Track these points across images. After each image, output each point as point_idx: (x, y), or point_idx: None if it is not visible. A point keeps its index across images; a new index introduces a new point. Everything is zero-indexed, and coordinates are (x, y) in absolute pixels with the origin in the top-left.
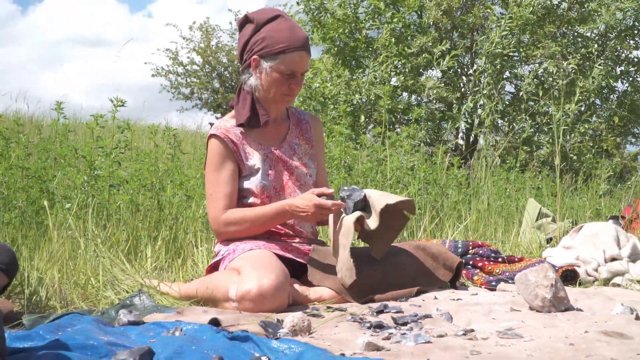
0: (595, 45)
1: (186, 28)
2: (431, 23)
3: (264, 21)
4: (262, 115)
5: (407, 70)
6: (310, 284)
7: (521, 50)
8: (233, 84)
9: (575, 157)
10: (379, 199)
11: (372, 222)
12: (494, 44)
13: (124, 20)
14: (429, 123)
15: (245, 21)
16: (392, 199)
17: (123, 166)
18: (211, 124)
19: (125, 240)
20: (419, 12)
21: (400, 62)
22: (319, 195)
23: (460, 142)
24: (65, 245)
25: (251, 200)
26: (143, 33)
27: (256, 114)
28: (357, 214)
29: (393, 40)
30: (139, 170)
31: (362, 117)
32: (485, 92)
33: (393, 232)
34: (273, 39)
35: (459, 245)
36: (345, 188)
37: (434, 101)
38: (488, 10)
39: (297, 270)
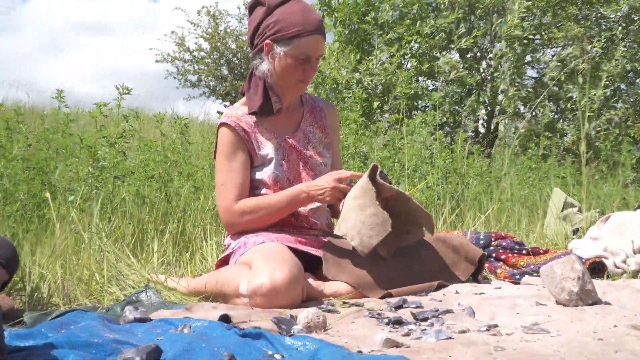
0: (620, 28)
1: (194, 12)
2: (447, 3)
3: (275, 3)
4: (275, 102)
5: (422, 52)
6: (325, 278)
7: (542, 33)
8: (242, 70)
9: (601, 145)
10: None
11: (390, 187)
12: (512, 27)
13: (128, 6)
14: (446, 107)
15: (255, 4)
16: (413, 204)
17: (128, 156)
18: (220, 113)
19: (131, 234)
20: None
21: (415, 43)
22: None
23: (481, 129)
24: (68, 240)
25: (263, 191)
26: (148, 19)
27: (269, 101)
28: (373, 165)
29: (407, 20)
30: (145, 160)
31: (375, 104)
32: (505, 77)
33: (405, 238)
34: (286, 22)
35: (481, 237)
36: (374, 165)
37: (453, 84)
38: None
39: (311, 264)
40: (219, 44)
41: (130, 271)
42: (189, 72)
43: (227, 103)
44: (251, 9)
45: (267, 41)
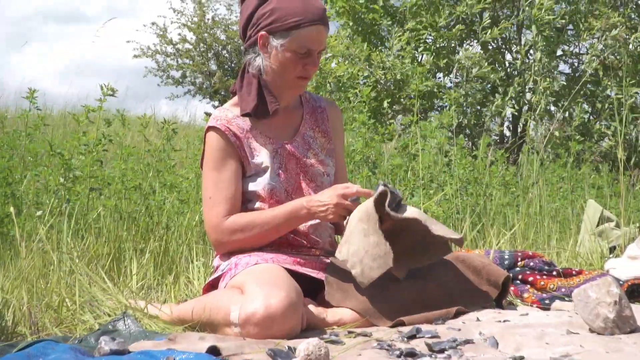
0: None
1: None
2: None
3: None
4: (272, 103)
5: (438, 46)
6: (327, 304)
7: (577, 21)
8: (233, 65)
9: None
10: (424, 218)
11: (409, 213)
12: (543, 10)
13: None
14: (467, 108)
15: None
16: (437, 228)
17: (106, 165)
18: (208, 114)
19: (107, 254)
20: None
21: (430, 36)
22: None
23: (507, 132)
24: (35, 261)
25: (257, 204)
26: (126, 6)
27: (264, 101)
28: (381, 189)
29: (423, 11)
30: (124, 170)
31: (386, 103)
32: (536, 69)
33: (427, 257)
34: (284, 11)
35: (506, 257)
36: (381, 182)
37: (474, 81)
38: None
39: (312, 288)
40: (205, 34)
41: (105, 296)
42: (172, 68)
43: (216, 103)
44: None
45: (262, 33)
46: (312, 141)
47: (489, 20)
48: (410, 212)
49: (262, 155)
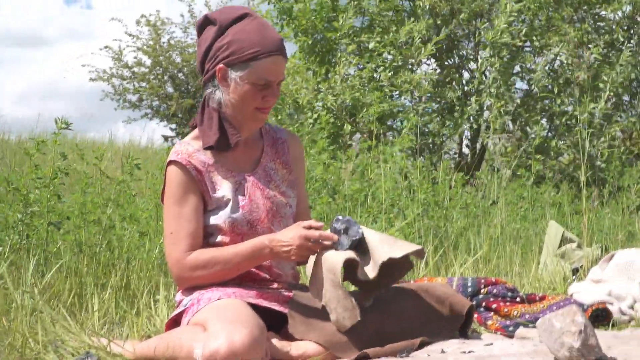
0: (621, 31)
1: (133, 23)
2: (427, 7)
3: (228, 22)
4: (233, 135)
5: (397, 64)
6: (291, 338)
7: (534, 38)
8: (190, 88)
9: (603, 166)
10: (380, 247)
11: (370, 271)
12: (499, 32)
13: (59, 14)
14: (425, 129)
15: (205, 23)
16: (397, 250)
17: (64, 199)
18: (165, 138)
19: (69, 290)
20: None
21: (389, 55)
22: (307, 229)
23: (466, 150)
24: None
25: (219, 238)
26: (83, 29)
27: (225, 134)
28: (350, 254)
29: (379, 28)
30: (83, 203)
31: (347, 127)
32: (491, 90)
33: (390, 280)
34: (241, 43)
35: (469, 284)
36: (340, 218)
37: (431, 99)
38: None
39: (275, 322)
40: (161, 57)
41: (68, 335)
42: (128, 91)
43: (174, 125)
44: (200, 28)
45: (220, 65)
46: (274, 173)
47: (445, 36)
48: (370, 237)
49: (223, 189)
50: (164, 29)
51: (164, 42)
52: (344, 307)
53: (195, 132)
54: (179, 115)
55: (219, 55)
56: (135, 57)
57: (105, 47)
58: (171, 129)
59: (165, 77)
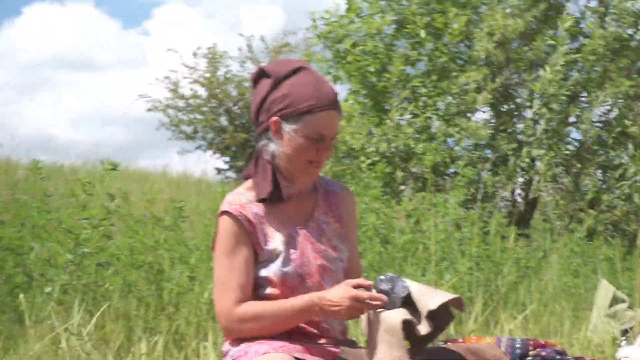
0: None
1: (189, 54)
2: (482, 56)
3: (283, 75)
4: (285, 188)
5: (450, 112)
6: None
7: (590, 88)
8: (244, 122)
9: None
10: (421, 298)
11: (423, 327)
12: (548, 83)
13: (115, 39)
14: (478, 178)
15: (260, 75)
16: (434, 300)
17: (114, 239)
18: (219, 170)
19: (117, 332)
20: (467, 44)
21: (442, 103)
22: (355, 287)
23: (519, 199)
24: (46, 340)
25: (269, 291)
26: (137, 54)
27: (278, 187)
28: (405, 314)
29: (434, 75)
30: (132, 244)
31: (400, 175)
32: (542, 141)
33: (434, 333)
34: (296, 96)
35: (517, 345)
36: (383, 278)
37: (484, 149)
38: (552, 41)
39: None
40: (217, 90)
41: None
42: (183, 122)
43: (227, 158)
44: (255, 80)
45: (274, 118)
46: (326, 227)
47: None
48: (416, 300)
49: (275, 241)
50: (221, 62)
51: (220, 75)
52: None
53: (249, 182)
54: (233, 149)
55: (274, 107)
56: (191, 89)
57: (165, 77)
58: (225, 162)
59: (221, 110)
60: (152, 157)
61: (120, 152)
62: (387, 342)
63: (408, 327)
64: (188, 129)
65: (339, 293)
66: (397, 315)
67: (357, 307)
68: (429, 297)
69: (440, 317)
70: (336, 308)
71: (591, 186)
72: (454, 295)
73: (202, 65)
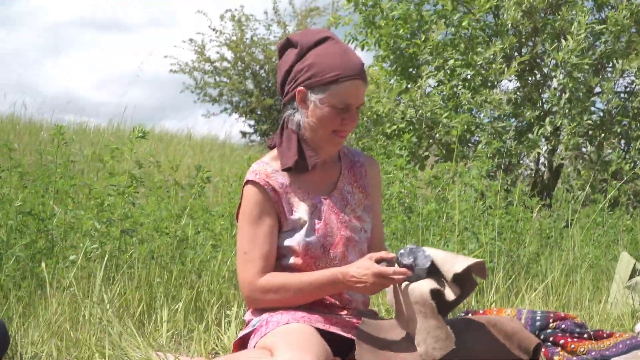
0: None
1: (217, 17)
2: (509, 25)
3: (309, 45)
4: (311, 157)
5: (476, 83)
6: None
7: (614, 61)
8: (270, 85)
9: None
10: (444, 263)
11: (450, 293)
12: (569, 52)
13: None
14: (502, 148)
15: (286, 45)
16: (459, 264)
17: (138, 207)
18: (244, 134)
19: (138, 300)
20: (495, 13)
21: (469, 72)
22: (378, 262)
23: (542, 168)
24: (66, 308)
25: (292, 260)
26: (166, 16)
27: (303, 156)
28: (433, 283)
29: (462, 45)
30: (156, 212)
31: (424, 143)
32: (565, 111)
33: (458, 300)
34: (322, 66)
35: (538, 318)
36: (403, 252)
37: (508, 119)
38: (578, 12)
39: (343, 348)
40: (244, 53)
41: (135, 351)
42: (209, 86)
43: (252, 122)
44: (281, 51)
45: (300, 88)
46: (350, 196)
47: (528, 56)
48: (434, 256)
49: (300, 211)
50: (248, 25)
51: (247, 39)
52: (435, 337)
53: (274, 152)
54: (259, 113)
55: (299, 77)
56: (217, 52)
57: (191, 40)
58: (250, 126)
59: (247, 74)
60: (177, 119)
61: (145, 113)
62: (421, 313)
63: (436, 296)
64: (214, 92)
65: (362, 269)
66: (424, 285)
67: (382, 282)
68: (454, 262)
69: (464, 283)
70: (361, 285)
71: (614, 156)
72: (478, 260)
73: (229, 28)
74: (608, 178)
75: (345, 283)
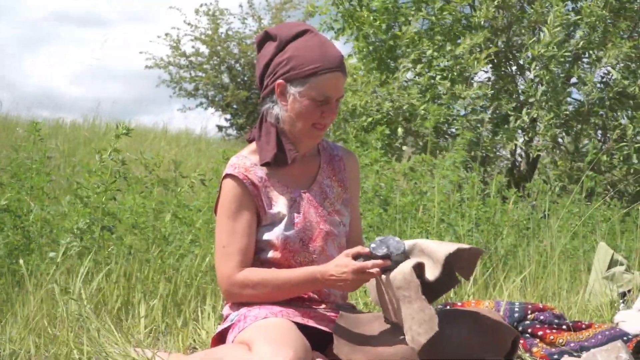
0: None
1: (191, 11)
2: (482, 22)
3: (288, 38)
4: (290, 151)
5: (454, 74)
6: (336, 358)
7: (590, 52)
8: (245, 79)
9: None
10: (437, 247)
11: (431, 272)
12: (546, 45)
13: None
14: (479, 139)
15: (265, 38)
16: (454, 246)
17: (118, 202)
18: (220, 127)
19: (116, 296)
20: (472, 4)
21: (447, 62)
22: (355, 257)
23: (519, 159)
24: (44, 305)
25: (270, 254)
26: (141, 11)
27: (282, 150)
28: (414, 261)
29: (439, 37)
30: (135, 206)
31: (400, 131)
32: (542, 103)
33: (437, 292)
34: (301, 59)
35: (516, 309)
36: (375, 245)
37: (483, 110)
38: (553, 3)
39: (321, 342)
40: (219, 47)
41: (113, 347)
42: (185, 80)
43: (228, 116)
44: (260, 44)
45: (279, 81)
46: (329, 190)
47: (496, 48)
48: (433, 250)
49: (279, 205)
50: (223, 19)
51: (221, 33)
52: (419, 321)
53: (253, 146)
54: (234, 107)
55: (279, 70)
56: (193, 47)
57: (166, 34)
58: (226, 120)
59: (222, 68)
60: (154, 114)
61: (121, 108)
62: (406, 299)
63: (418, 270)
64: (189, 87)
65: (341, 267)
66: (406, 266)
67: (361, 278)
68: (449, 245)
69: (449, 274)
70: (340, 283)
71: (591, 147)
72: (475, 247)
73: (204, 22)
74: (584, 168)
75: (324, 282)
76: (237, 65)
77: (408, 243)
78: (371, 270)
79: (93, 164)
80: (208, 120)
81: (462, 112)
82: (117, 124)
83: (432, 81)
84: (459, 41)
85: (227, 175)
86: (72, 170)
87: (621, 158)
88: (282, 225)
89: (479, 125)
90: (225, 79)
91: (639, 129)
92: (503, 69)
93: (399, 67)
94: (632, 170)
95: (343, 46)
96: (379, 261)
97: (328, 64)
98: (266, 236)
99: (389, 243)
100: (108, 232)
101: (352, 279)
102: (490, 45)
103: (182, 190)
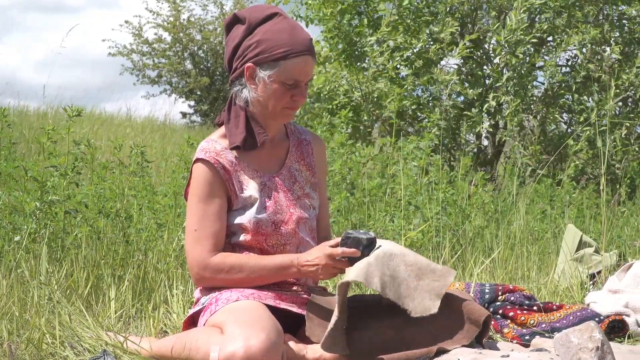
0: None
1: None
2: (447, 10)
3: (258, 21)
4: (259, 134)
5: (419, 63)
6: (308, 340)
7: (555, 37)
8: (208, 65)
9: (618, 165)
10: (426, 271)
11: (427, 306)
12: (512, 31)
13: None
14: (444, 127)
15: (234, 21)
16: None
17: (81, 187)
18: (184, 114)
19: (86, 279)
20: None
21: (411, 53)
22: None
23: (485, 142)
24: (15, 290)
25: (242, 238)
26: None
27: (252, 133)
28: (392, 245)
29: (409, 21)
30: (100, 190)
31: (366, 117)
32: (509, 88)
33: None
34: (271, 42)
35: (487, 290)
36: (347, 242)
37: (451, 97)
38: None
39: (293, 324)
40: (181, 34)
41: (85, 331)
42: (148, 67)
43: (192, 103)
44: (229, 27)
45: (249, 64)
46: (298, 174)
47: (454, 29)
48: (397, 254)
49: (250, 189)
50: (184, 6)
51: (183, 19)
52: (331, 332)
53: (221, 130)
54: (198, 93)
55: (248, 54)
56: (155, 34)
57: (126, 22)
58: (190, 106)
59: (185, 54)
60: (119, 101)
61: (85, 95)
62: (413, 272)
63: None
64: (153, 74)
65: (314, 253)
66: (360, 266)
67: (333, 265)
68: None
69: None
70: (313, 268)
71: (557, 130)
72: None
73: (166, 9)
74: (551, 152)
75: (297, 268)
76: (200, 51)
77: (388, 247)
78: (340, 254)
79: (48, 148)
80: (172, 107)
81: (435, 97)
82: (67, 107)
83: (398, 70)
84: (427, 30)
85: (198, 160)
86: (38, 157)
87: (586, 142)
88: (253, 209)
89: (448, 108)
90: (188, 65)
91: (604, 111)
92: (471, 54)
93: (371, 56)
94: (597, 154)
95: (311, 29)
96: (350, 250)
97: (298, 47)
98: (238, 220)
99: (357, 234)
100: (72, 216)
101: (325, 264)
102: (463, 32)
103: (146, 172)
